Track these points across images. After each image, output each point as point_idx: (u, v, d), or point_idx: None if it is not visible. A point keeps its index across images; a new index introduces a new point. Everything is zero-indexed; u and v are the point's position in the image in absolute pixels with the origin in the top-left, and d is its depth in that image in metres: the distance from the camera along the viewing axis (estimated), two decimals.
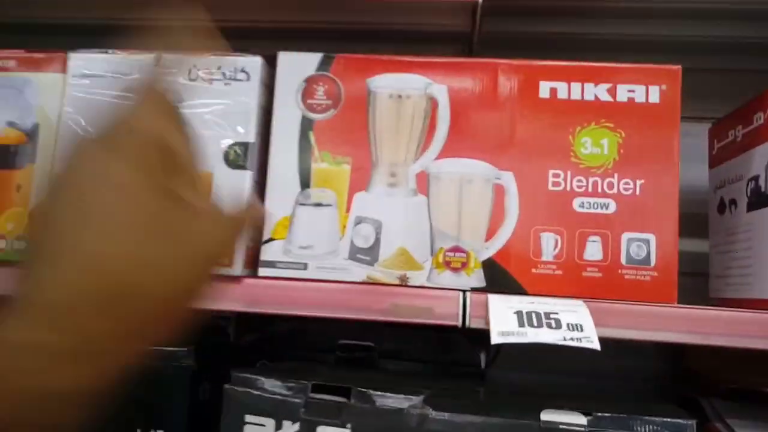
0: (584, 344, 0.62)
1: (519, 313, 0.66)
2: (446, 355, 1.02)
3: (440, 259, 0.75)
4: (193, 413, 0.86)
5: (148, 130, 0.38)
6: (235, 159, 0.79)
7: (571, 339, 0.62)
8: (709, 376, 0.90)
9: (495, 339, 0.63)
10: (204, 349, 0.91)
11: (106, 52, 0.84)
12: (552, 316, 0.66)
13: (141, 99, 0.40)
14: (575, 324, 0.64)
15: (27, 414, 0.31)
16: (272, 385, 0.82)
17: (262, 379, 0.83)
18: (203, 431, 0.86)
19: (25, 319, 0.32)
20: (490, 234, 0.74)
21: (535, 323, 0.65)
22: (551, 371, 0.92)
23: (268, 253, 0.78)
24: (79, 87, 0.83)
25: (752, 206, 0.78)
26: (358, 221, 0.77)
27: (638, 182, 0.73)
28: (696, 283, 0.87)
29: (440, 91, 0.78)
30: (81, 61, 0.84)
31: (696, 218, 0.89)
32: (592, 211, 0.73)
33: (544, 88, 0.76)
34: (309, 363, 1.00)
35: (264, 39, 0.92)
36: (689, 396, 0.84)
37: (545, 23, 0.99)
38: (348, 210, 0.77)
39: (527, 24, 0.99)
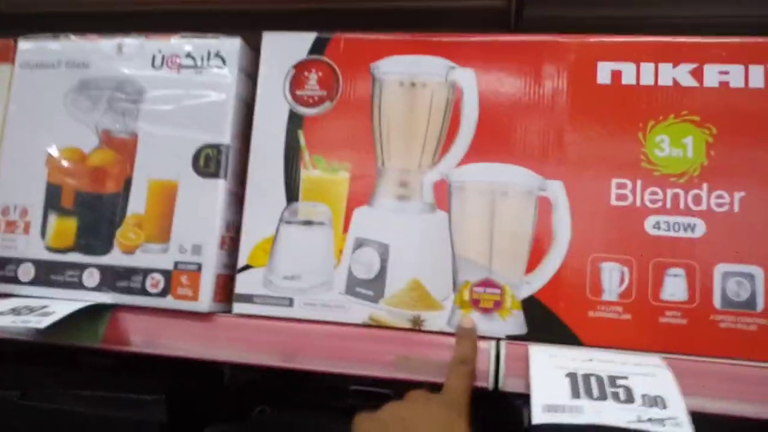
0: (669, 429, 0.42)
1: (572, 377, 0.47)
2: (481, 407, 0.82)
3: (466, 296, 0.57)
4: None
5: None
6: (206, 165, 0.62)
7: (650, 421, 0.43)
8: None
9: (538, 417, 0.44)
10: (183, 395, 0.75)
11: (59, 37, 0.69)
12: (620, 381, 0.47)
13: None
14: (654, 396, 0.45)
15: None
16: None
17: None
18: None
19: None
20: (533, 264, 0.56)
21: (596, 393, 0.46)
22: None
23: (243, 284, 0.61)
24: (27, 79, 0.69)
25: None
26: (359, 244, 0.59)
27: (737, 195, 0.54)
28: None
29: (466, 76, 0.60)
30: (31, 47, 0.69)
31: None
32: (672, 234, 0.54)
33: (604, 71, 0.58)
34: (314, 411, 0.82)
35: (245, 23, 0.74)
36: None
37: (602, 5, 0.78)
38: (346, 230, 0.60)
39: (578, 5, 0.78)
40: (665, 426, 0.42)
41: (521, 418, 0.80)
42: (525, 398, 0.73)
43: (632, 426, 0.43)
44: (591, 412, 0.44)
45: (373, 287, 0.58)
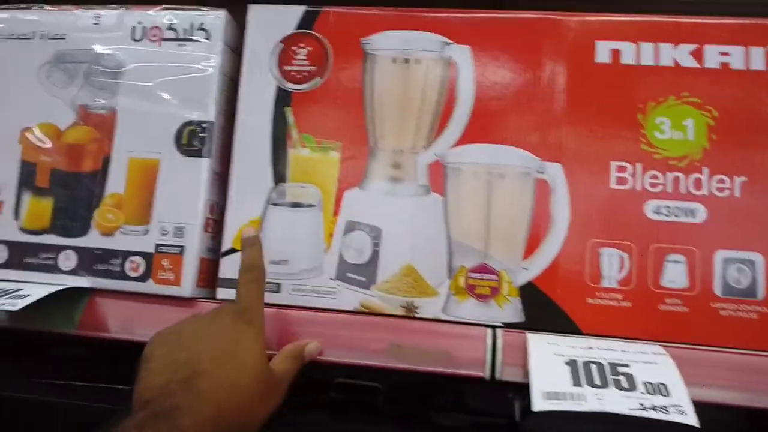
0: (673, 417, 0.41)
1: (572, 364, 0.46)
2: (471, 400, 0.80)
3: (461, 282, 0.55)
4: None
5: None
6: (189, 142, 0.60)
7: (653, 408, 0.42)
8: None
9: (539, 404, 0.43)
10: None
11: (33, 8, 0.66)
12: (621, 369, 0.45)
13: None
14: (657, 384, 0.44)
15: None
16: None
17: None
18: None
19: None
20: (530, 249, 0.54)
21: (597, 381, 0.44)
22: (609, 420, 0.70)
23: (228, 268, 0.58)
24: None
25: None
26: (350, 228, 0.57)
27: (738, 180, 0.53)
28: None
29: (462, 53, 0.58)
30: (3, 17, 0.66)
31: None
32: (672, 219, 0.53)
33: (603, 50, 0.56)
34: (297, 406, 0.79)
35: None
36: None
37: None
38: (336, 213, 0.58)
39: None
40: (669, 413, 0.41)
41: (513, 411, 0.78)
42: (517, 391, 0.72)
43: (636, 413, 0.41)
44: (593, 399, 0.42)
45: (364, 272, 0.56)
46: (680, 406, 0.42)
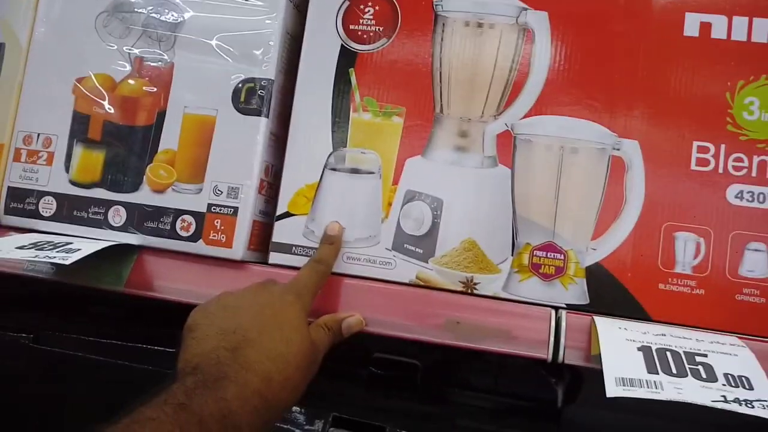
0: (759, 412, 0.39)
1: (646, 351, 0.44)
2: (511, 383, 0.78)
3: (525, 259, 0.52)
4: None
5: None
6: (247, 101, 0.58)
7: (737, 402, 0.39)
8: None
9: (612, 390, 0.40)
10: None
11: None
12: (699, 359, 0.43)
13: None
14: (738, 377, 0.41)
15: None
16: None
17: None
18: None
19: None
20: (600, 229, 0.51)
21: (674, 369, 0.42)
22: (653, 413, 0.68)
23: (282, 232, 0.57)
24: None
25: None
26: (410, 198, 0.55)
27: None
28: None
29: (539, 20, 0.55)
30: None
31: None
32: (755, 205, 0.50)
33: (692, 23, 0.53)
34: (334, 380, 0.78)
35: None
36: None
37: None
38: (396, 181, 0.55)
39: None
40: (754, 408, 0.39)
41: (555, 397, 0.76)
42: (559, 376, 0.70)
43: (718, 405, 0.39)
44: (670, 388, 0.40)
45: (423, 244, 0.54)
46: (766, 401, 0.39)
